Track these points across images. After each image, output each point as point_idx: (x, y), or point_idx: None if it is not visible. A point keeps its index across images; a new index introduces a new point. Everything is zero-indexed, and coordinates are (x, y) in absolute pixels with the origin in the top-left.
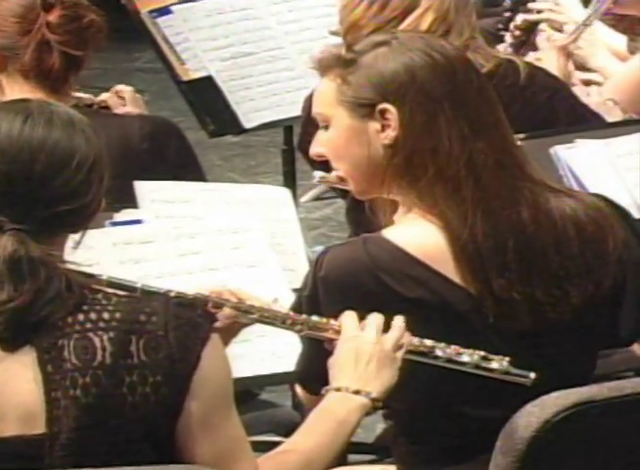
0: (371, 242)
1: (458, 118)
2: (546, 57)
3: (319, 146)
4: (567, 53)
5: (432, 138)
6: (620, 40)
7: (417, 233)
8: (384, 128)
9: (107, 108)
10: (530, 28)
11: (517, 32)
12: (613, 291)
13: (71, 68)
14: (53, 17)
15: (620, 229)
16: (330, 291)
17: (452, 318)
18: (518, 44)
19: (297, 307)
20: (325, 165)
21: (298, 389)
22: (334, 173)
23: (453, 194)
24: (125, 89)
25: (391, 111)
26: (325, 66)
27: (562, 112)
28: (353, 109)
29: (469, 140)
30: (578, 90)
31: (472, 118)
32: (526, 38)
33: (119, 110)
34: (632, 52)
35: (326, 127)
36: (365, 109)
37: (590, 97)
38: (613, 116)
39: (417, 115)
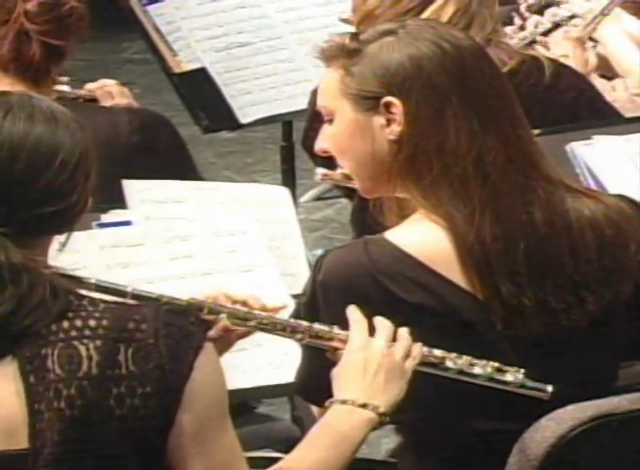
0: (372, 244)
1: (467, 113)
2: (561, 48)
3: (324, 141)
4: (583, 44)
5: (438, 134)
6: (637, 26)
7: (421, 235)
8: (389, 123)
9: (94, 101)
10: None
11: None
12: (635, 297)
13: (53, 58)
14: (31, 5)
15: None
16: (329, 296)
17: (458, 325)
18: (532, 41)
19: (297, 314)
20: (329, 163)
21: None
22: (338, 170)
23: (459, 193)
24: (108, 83)
25: (397, 104)
26: (329, 56)
27: (586, 114)
28: (357, 102)
29: (478, 136)
30: (604, 84)
31: (482, 113)
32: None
33: (108, 103)
34: None
35: (330, 121)
36: (369, 102)
37: (616, 92)
38: None
39: (423, 109)
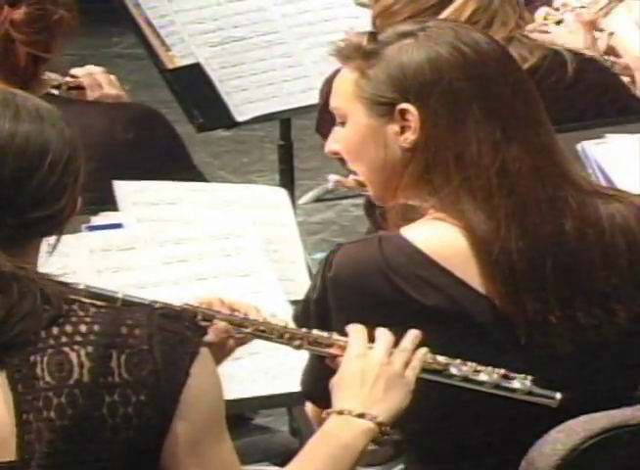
0: (387, 241)
1: (489, 122)
2: (572, 33)
3: (335, 143)
4: (594, 28)
5: (457, 144)
6: None
7: (438, 234)
8: (403, 130)
9: (79, 88)
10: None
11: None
12: None
13: (39, 63)
14: (18, 14)
15: None
16: (339, 294)
17: (473, 331)
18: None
19: (305, 312)
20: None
21: (308, 405)
22: (351, 177)
23: (483, 205)
24: (95, 70)
25: (412, 112)
26: (345, 56)
27: (611, 113)
28: (371, 107)
29: (501, 146)
30: (636, 61)
31: (506, 121)
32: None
33: (96, 92)
34: None
35: (343, 124)
36: (384, 107)
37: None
38: None
39: (441, 117)
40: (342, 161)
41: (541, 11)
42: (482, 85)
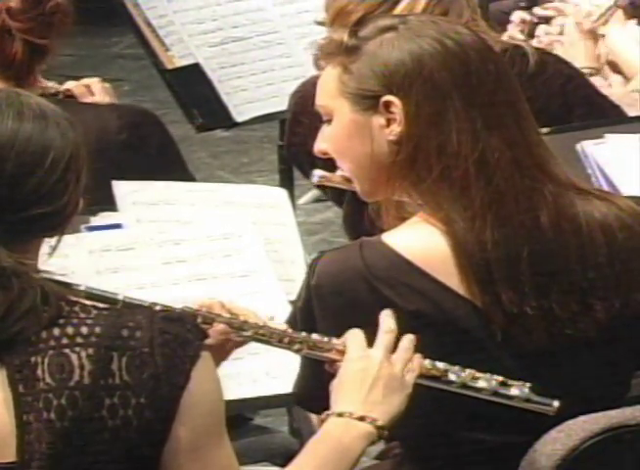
0: (368, 247)
1: (470, 113)
2: (571, 42)
3: (323, 142)
4: (594, 37)
5: (439, 134)
6: (636, 31)
7: (419, 239)
8: (389, 123)
9: (72, 97)
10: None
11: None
12: None
13: (36, 56)
14: (14, 2)
15: None
16: (323, 301)
17: (456, 334)
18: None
19: (292, 320)
20: (323, 166)
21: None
22: (338, 173)
23: (460, 196)
24: (91, 81)
25: (396, 104)
26: (327, 53)
27: (576, 101)
28: (356, 101)
29: (481, 137)
30: (598, 81)
31: (486, 113)
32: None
33: (88, 100)
34: None
35: (329, 121)
36: (368, 101)
37: (613, 88)
38: (638, 109)
39: (424, 108)
40: (331, 160)
41: (515, 15)
42: (464, 77)
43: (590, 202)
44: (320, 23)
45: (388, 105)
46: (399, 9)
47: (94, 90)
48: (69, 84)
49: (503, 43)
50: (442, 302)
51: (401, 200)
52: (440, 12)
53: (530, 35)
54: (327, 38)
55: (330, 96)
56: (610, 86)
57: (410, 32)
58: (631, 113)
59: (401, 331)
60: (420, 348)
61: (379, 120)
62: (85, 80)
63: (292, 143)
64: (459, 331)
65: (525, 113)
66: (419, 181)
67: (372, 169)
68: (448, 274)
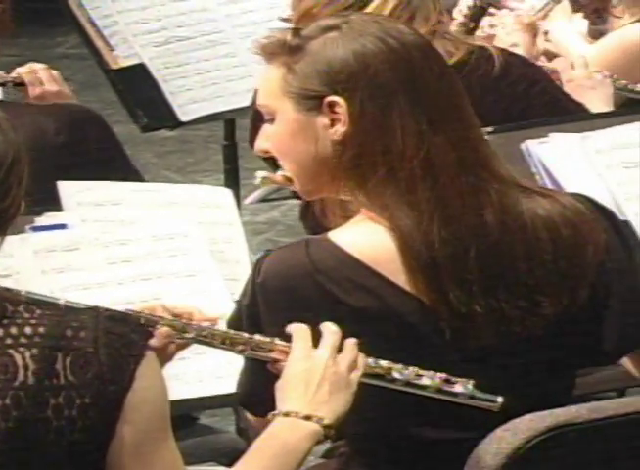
0: (314, 245)
1: (415, 112)
2: (510, 35)
3: (265, 141)
4: (534, 31)
5: (384, 134)
6: (582, 25)
7: (365, 236)
8: (333, 123)
9: (22, 85)
10: (478, 15)
11: (462, 19)
12: (592, 301)
13: None
14: None
15: (602, 233)
16: (269, 299)
17: (404, 331)
18: (466, 32)
19: (236, 318)
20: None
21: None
22: (279, 173)
23: (406, 196)
24: (37, 66)
25: (341, 103)
26: (270, 52)
27: (540, 105)
28: (299, 101)
29: (426, 136)
30: (561, 61)
31: (430, 112)
32: (475, 25)
33: (37, 90)
34: (594, 37)
35: (271, 121)
36: (312, 101)
37: (575, 69)
38: (601, 91)
39: (368, 108)
40: (272, 159)
41: (485, 21)
42: (408, 76)
43: (534, 200)
44: (285, 20)
45: (331, 105)
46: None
47: (42, 78)
48: (20, 70)
49: (469, 45)
50: (389, 298)
51: (345, 200)
52: (408, 15)
53: (475, 22)
54: (269, 37)
55: (272, 96)
56: (572, 67)
57: (353, 32)
58: (594, 96)
59: (349, 328)
60: (368, 344)
61: (322, 121)
62: (32, 64)
63: (253, 137)
64: (407, 328)
65: (468, 112)
66: (364, 181)
67: (315, 169)
68: (395, 272)
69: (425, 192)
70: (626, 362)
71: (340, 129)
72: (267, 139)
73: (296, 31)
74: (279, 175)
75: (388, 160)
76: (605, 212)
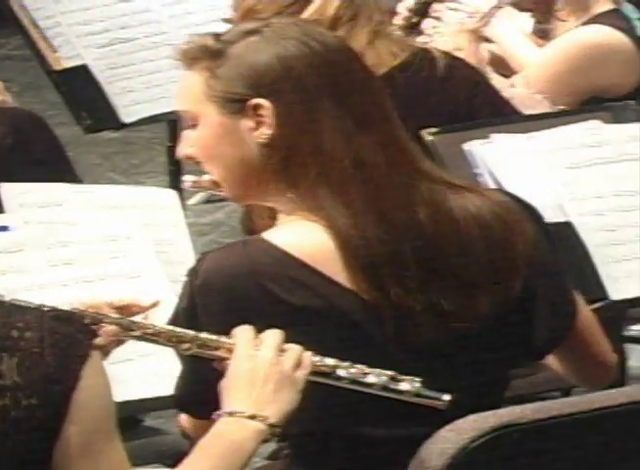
0: (251, 245)
1: (340, 113)
2: (456, 42)
3: (188, 147)
4: (478, 37)
5: (312, 136)
6: (527, 23)
7: (302, 235)
8: (258, 126)
9: None
10: (423, 10)
11: (407, 14)
12: (523, 296)
13: None
14: None
15: (529, 228)
16: (208, 301)
17: (346, 328)
18: (408, 26)
19: (174, 322)
20: None
21: (183, 416)
22: (206, 177)
23: (340, 196)
24: None
25: (265, 106)
26: (190, 58)
27: (482, 106)
28: (223, 104)
29: (354, 137)
30: (502, 81)
31: (357, 113)
32: (418, 22)
33: None
34: (541, 36)
35: (194, 126)
36: (236, 104)
37: (515, 88)
38: (540, 110)
39: (295, 110)
40: (197, 164)
41: (427, 23)
42: (332, 78)
43: (463, 196)
44: (227, 21)
45: (256, 108)
46: (310, 10)
47: None
48: None
49: (412, 46)
50: (331, 296)
51: (274, 203)
52: (351, 14)
53: (419, 17)
54: (189, 43)
55: (195, 101)
56: (512, 86)
57: (275, 35)
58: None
59: (291, 326)
60: (311, 342)
61: (247, 123)
62: None
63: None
64: (350, 326)
65: (391, 112)
66: (295, 183)
67: (242, 172)
68: (335, 269)
69: (358, 191)
70: (550, 359)
71: (265, 132)
72: (191, 145)
73: (216, 36)
74: (206, 180)
75: (318, 161)
76: (529, 209)
